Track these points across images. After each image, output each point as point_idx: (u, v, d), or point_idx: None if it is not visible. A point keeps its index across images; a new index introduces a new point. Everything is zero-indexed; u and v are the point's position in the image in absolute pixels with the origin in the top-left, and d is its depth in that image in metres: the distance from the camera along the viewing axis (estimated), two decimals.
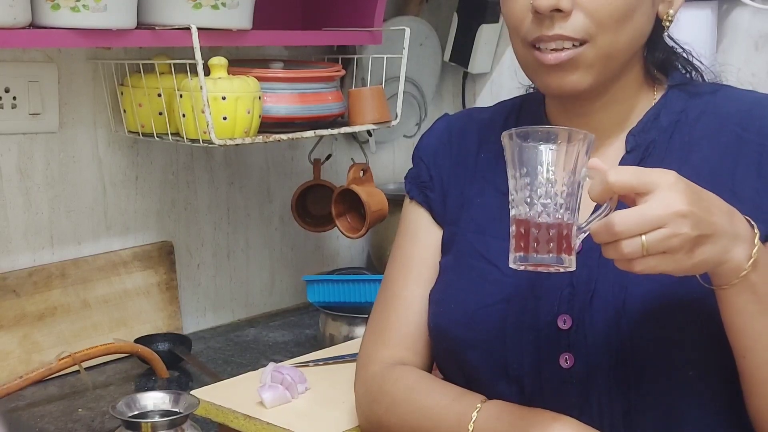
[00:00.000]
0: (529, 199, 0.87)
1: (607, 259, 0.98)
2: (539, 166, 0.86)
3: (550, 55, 0.97)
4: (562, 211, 0.86)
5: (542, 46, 0.98)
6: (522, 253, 0.87)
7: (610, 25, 0.96)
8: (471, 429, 0.99)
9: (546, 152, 0.86)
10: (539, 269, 0.87)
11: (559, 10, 0.95)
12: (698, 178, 0.98)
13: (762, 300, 0.88)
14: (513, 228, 0.88)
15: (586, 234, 0.87)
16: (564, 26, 0.96)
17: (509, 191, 0.89)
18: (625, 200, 0.86)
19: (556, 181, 0.86)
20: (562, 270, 0.87)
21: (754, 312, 0.89)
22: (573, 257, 0.87)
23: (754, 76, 1.80)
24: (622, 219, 0.82)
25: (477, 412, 1.00)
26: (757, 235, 0.88)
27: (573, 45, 0.97)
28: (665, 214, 0.82)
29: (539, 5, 0.95)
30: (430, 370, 1.15)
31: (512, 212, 0.89)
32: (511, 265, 0.88)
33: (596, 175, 0.86)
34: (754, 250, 0.87)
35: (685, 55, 1.10)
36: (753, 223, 0.89)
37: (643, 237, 0.82)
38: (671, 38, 1.08)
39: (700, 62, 1.11)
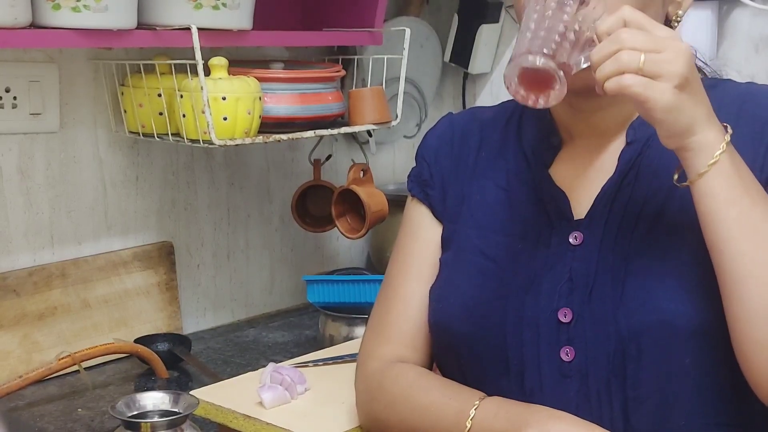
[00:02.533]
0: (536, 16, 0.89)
1: (606, 253, 0.99)
2: None
3: None
4: (570, 10, 0.89)
5: None
6: (530, 56, 0.89)
7: None
8: (469, 426, 1.00)
9: None
10: (532, 70, 0.89)
11: None
12: None
13: (735, 186, 0.91)
14: (520, 33, 0.91)
15: (590, 50, 0.90)
16: None
17: (523, 21, 0.91)
18: None
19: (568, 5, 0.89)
20: (555, 77, 0.89)
21: (728, 199, 0.91)
22: (585, 56, 0.90)
23: (754, 77, 1.80)
24: (630, 32, 0.87)
25: (475, 409, 1.00)
26: (727, 134, 0.92)
27: None
28: (670, 44, 0.87)
29: None
30: (430, 367, 1.15)
31: (524, 17, 0.91)
32: (506, 72, 0.90)
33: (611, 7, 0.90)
34: (726, 137, 0.91)
35: None
36: (726, 125, 0.93)
37: (643, 55, 0.86)
38: None
39: (702, 61, 1.12)
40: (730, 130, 0.93)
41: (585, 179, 1.06)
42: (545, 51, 0.88)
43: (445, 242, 1.14)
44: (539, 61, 0.88)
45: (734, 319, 0.92)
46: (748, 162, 0.97)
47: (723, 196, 0.91)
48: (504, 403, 1.00)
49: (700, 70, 1.11)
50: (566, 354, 1.00)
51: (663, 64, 0.87)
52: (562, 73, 0.88)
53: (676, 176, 0.95)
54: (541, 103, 0.91)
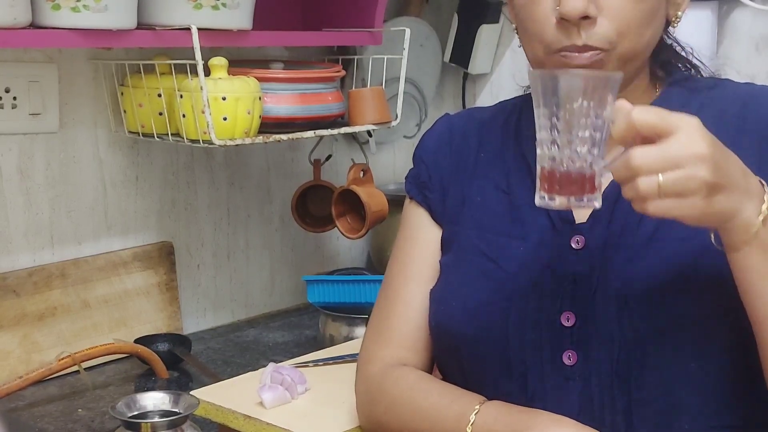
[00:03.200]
0: (554, 136, 0.86)
1: (609, 254, 0.99)
2: (567, 99, 0.85)
3: (575, 61, 0.97)
4: (587, 149, 0.85)
5: (568, 55, 0.97)
6: (547, 193, 0.88)
7: (633, 30, 0.97)
8: (470, 430, 0.99)
9: (574, 81, 0.85)
10: (564, 208, 0.88)
11: (586, 17, 0.95)
12: None
13: None
14: (538, 168, 0.88)
15: (609, 173, 0.86)
16: (591, 34, 0.95)
17: (536, 131, 0.88)
18: (647, 143, 0.85)
19: (582, 115, 0.85)
20: (587, 207, 0.87)
21: (766, 273, 0.88)
22: (598, 195, 0.87)
23: (755, 78, 1.80)
24: (641, 154, 0.82)
25: (475, 413, 1.00)
26: (765, 203, 0.87)
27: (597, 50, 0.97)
28: (685, 155, 0.81)
29: (567, 12, 0.94)
30: (430, 370, 1.15)
31: (538, 152, 0.88)
32: (537, 204, 0.89)
33: (621, 114, 0.85)
34: (764, 206, 0.86)
35: (684, 54, 1.10)
36: (764, 182, 0.89)
37: (660, 176, 0.81)
38: (670, 36, 1.09)
39: (700, 61, 1.12)
40: (767, 189, 0.88)
41: None
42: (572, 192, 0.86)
43: (446, 244, 1.14)
44: (560, 202, 0.87)
45: None
46: (755, 164, 0.97)
47: (763, 270, 0.88)
48: (504, 407, 1.00)
49: (696, 68, 1.11)
50: (568, 358, 0.99)
51: (684, 182, 0.81)
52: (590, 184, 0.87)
53: (712, 236, 0.90)
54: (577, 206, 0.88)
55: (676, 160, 0.81)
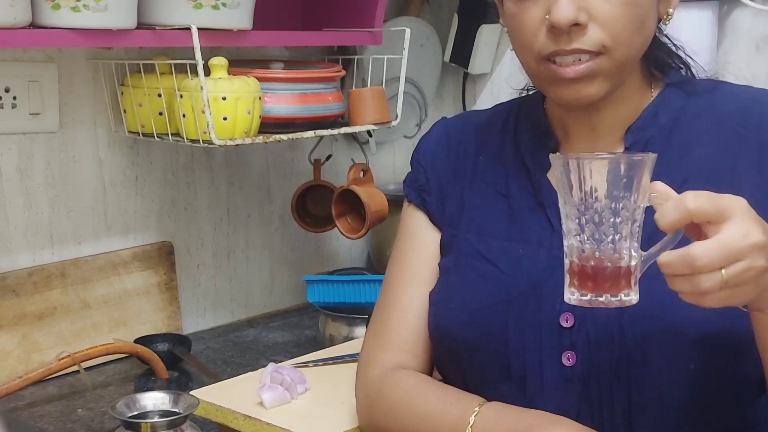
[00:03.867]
0: (583, 227, 0.80)
1: None
2: (595, 185, 0.79)
3: (568, 69, 0.96)
4: (621, 241, 0.80)
5: (559, 60, 0.97)
6: (578, 290, 0.82)
7: (625, 35, 0.96)
8: None
9: (603, 167, 0.79)
10: (599, 306, 0.83)
11: (577, 24, 0.94)
12: (698, 176, 0.98)
13: None
14: (567, 262, 0.83)
15: (650, 262, 0.81)
16: (581, 40, 0.95)
17: (561, 218, 0.85)
18: (689, 229, 0.82)
19: (616, 204, 0.79)
20: (623, 305, 0.82)
21: None
22: (635, 289, 0.82)
23: (755, 78, 1.80)
24: (705, 251, 0.78)
25: (475, 415, 1.00)
26: None
27: (589, 56, 0.96)
28: (746, 246, 0.79)
29: (558, 20, 0.94)
30: (430, 373, 1.15)
31: (565, 244, 0.83)
32: (567, 300, 0.85)
33: (664, 200, 0.80)
34: None
35: (678, 52, 1.10)
36: None
37: (724, 271, 0.79)
38: (661, 33, 1.08)
39: (691, 57, 1.11)
40: None
41: None
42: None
43: (445, 247, 1.14)
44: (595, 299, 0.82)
45: None
46: (755, 170, 0.97)
47: None
48: (504, 408, 1.00)
49: (689, 66, 1.10)
50: (567, 359, 0.99)
51: (745, 273, 0.79)
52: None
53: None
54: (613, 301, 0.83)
55: (738, 253, 0.79)
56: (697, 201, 0.80)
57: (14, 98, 1.59)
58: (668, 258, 0.81)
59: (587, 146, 1.06)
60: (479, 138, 1.16)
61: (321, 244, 2.12)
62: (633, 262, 0.82)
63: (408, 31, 1.75)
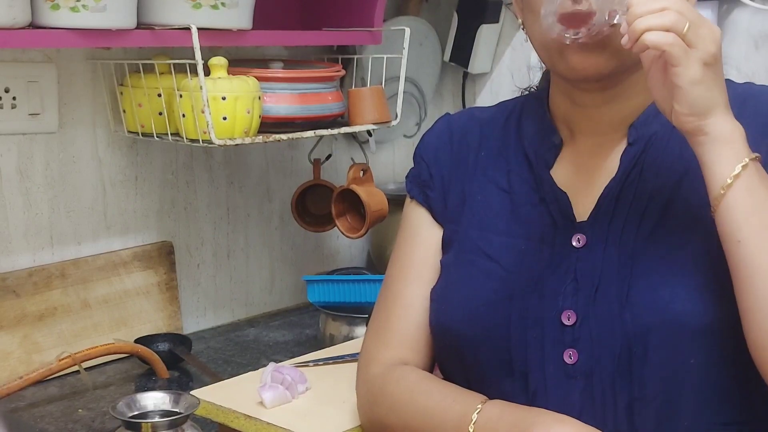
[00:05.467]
0: None
1: (610, 254, 0.99)
2: None
3: (579, 40, 0.97)
4: None
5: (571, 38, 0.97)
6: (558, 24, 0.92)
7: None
8: (472, 430, 0.99)
9: None
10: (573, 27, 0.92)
11: None
12: (697, 168, 0.98)
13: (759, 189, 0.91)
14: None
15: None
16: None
17: None
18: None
19: None
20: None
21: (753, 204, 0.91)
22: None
23: (754, 76, 1.80)
24: None
25: (477, 413, 1.00)
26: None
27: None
28: (708, 22, 0.90)
29: None
30: (431, 370, 1.15)
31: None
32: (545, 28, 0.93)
33: None
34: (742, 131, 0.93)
35: None
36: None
37: (687, 22, 0.88)
38: None
39: None
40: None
41: (586, 180, 1.06)
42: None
43: (446, 243, 1.14)
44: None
45: (747, 311, 0.92)
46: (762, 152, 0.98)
47: (744, 215, 0.91)
48: (507, 406, 1.00)
49: None
50: (569, 357, 0.99)
51: (701, 37, 0.88)
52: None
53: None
54: (583, 32, 0.93)
55: (702, 18, 0.89)
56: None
57: (14, 98, 1.59)
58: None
59: (591, 142, 1.07)
60: (482, 133, 1.16)
61: (321, 243, 2.12)
62: None
63: (407, 30, 1.75)
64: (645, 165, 1.03)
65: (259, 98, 1.55)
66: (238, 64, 1.65)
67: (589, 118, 1.06)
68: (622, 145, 1.05)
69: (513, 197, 1.09)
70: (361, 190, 1.80)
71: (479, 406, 1.00)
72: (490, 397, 1.02)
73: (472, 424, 0.99)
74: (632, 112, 1.05)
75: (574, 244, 1.02)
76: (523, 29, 1.07)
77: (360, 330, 1.70)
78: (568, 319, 1.00)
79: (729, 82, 1.09)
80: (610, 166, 1.05)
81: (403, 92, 1.79)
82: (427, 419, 1.04)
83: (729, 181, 0.91)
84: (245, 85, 1.52)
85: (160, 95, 1.58)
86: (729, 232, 0.92)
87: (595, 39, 0.96)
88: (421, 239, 1.16)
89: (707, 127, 0.91)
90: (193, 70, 1.47)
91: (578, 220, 1.04)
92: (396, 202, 1.75)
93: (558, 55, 1.00)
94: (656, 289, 0.96)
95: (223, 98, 1.49)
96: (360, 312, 1.71)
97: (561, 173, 1.08)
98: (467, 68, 2.16)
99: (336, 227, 1.87)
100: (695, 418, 0.98)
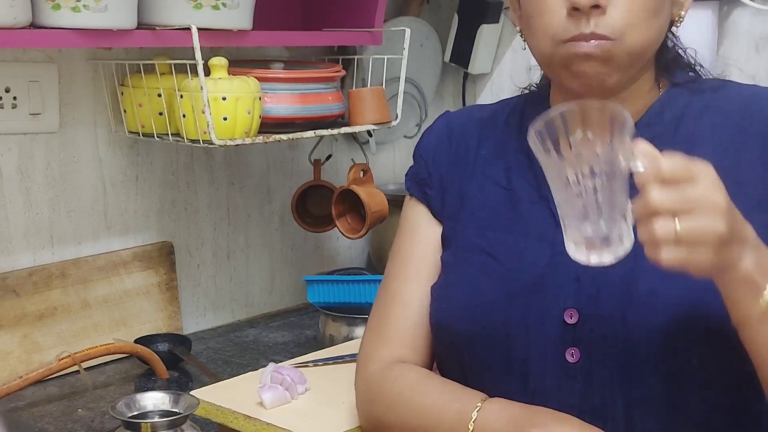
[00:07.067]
0: (569, 179, 0.83)
1: None
2: (572, 130, 0.83)
3: (585, 44, 0.97)
4: (607, 192, 0.83)
5: (575, 44, 0.97)
6: (574, 244, 0.86)
7: (641, 20, 0.97)
8: (471, 428, 0.99)
9: (569, 116, 0.83)
10: (596, 257, 0.86)
11: (597, 6, 0.95)
12: None
13: None
14: (562, 223, 0.87)
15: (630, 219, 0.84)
16: (599, 23, 0.96)
17: (552, 193, 0.87)
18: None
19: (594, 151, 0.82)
20: (621, 253, 0.85)
21: None
22: (626, 236, 0.85)
23: (755, 77, 1.80)
24: (661, 192, 0.81)
25: (477, 411, 0.99)
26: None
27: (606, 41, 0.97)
28: (704, 200, 0.81)
29: (579, 1, 0.95)
30: (430, 368, 1.15)
31: (556, 199, 0.87)
32: (570, 253, 0.87)
33: (650, 161, 0.82)
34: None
35: (686, 57, 1.10)
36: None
37: (678, 222, 0.80)
38: (673, 38, 1.09)
39: (701, 65, 1.12)
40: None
41: None
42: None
43: (446, 240, 1.14)
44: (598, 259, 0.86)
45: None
46: (757, 164, 0.97)
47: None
48: (506, 404, 1.00)
49: (698, 72, 1.11)
50: (571, 355, 0.99)
51: (700, 230, 0.81)
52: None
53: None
54: (608, 261, 0.86)
55: (694, 204, 0.81)
56: (671, 161, 0.82)
57: (14, 98, 1.59)
58: (635, 204, 0.83)
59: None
60: (482, 132, 1.16)
61: (321, 244, 2.12)
62: (618, 215, 0.85)
63: (408, 31, 1.75)
64: None
65: (260, 99, 1.55)
66: (239, 64, 1.65)
67: None
68: None
69: (513, 195, 1.09)
70: (361, 191, 1.80)
71: (479, 404, 1.00)
72: (490, 396, 1.02)
73: (471, 422, 0.99)
74: (635, 114, 1.05)
75: None
76: (521, 36, 1.07)
77: (360, 330, 1.70)
78: (571, 317, 1.00)
79: (734, 84, 1.09)
80: None
81: (404, 93, 1.79)
82: (425, 417, 1.04)
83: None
84: (246, 85, 1.52)
85: (160, 95, 1.58)
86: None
87: (599, 51, 0.96)
88: (420, 236, 1.16)
89: (727, 275, 0.87)
90: (194, 71, 1.47)
91: None
92: (396, 203, 1.75)
93: (562, 69, 1.01)
94: (660, 290, 0.96)
95: (224, 98, 1.49)
96: (360, 312, 1.71)
97: None
98: (468, 69, 2.17)
99: (336, 228, 1.87)
100: (696, 420, 0.98)
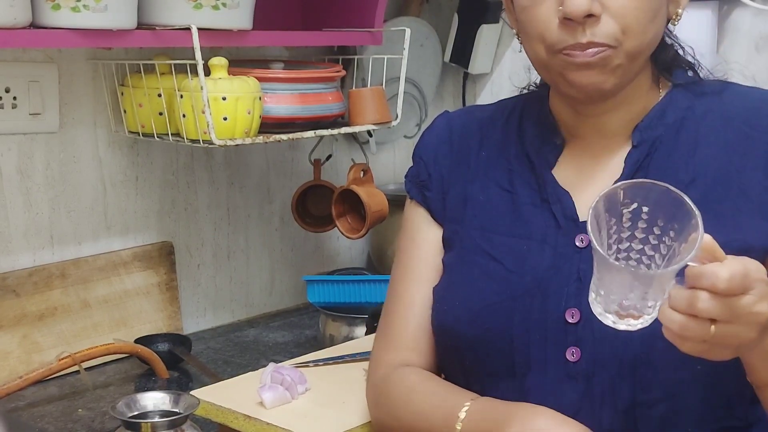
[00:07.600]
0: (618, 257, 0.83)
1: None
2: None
3: (581, 53, 0.96)
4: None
5: (571, 53, 0.97)
6: (605, 308, 0.85)
7: (638, 26, 0.96)
8: (459, 428, 0.99)
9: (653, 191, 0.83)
10: (624, 325, 0.85)
11: (590, 15, 0.94)
12: (705, 176, 0.98)
13: None
14: (597, 279, 0.85)
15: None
16: (595, 32, 0.95)
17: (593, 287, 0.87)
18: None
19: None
20: (649, 322, 0.85)
21: None
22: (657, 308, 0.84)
23: (755, 77, 1.80)
24: (710, 300, 0.80)
25: (465, 410, 1.00)
26: None
27: (603, 48, 0.96)
28: (749, 314, 0.81)
29: (572, 12, 0.94)
30: (436, 370, 1.15)
31: (598, 267, 0.85)
32: (600, 318, 0.87)
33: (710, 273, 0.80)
34: None
35: (683, 54, 1.10)
36: None
37: (713, 327, 0.80)
38: (671, 36, 1.08)
39: (698, 62, 1.11)
40: None
41: (590, 181, 1.06)
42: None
43: (448, 242, 1.13)
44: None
45: None
46: (762, 171, 0.97)
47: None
48: (491, 402, 1.00)
49: (695, 70, 1.11)
50: (572, 354, 0.99)
51: (732, 336, 0.82)
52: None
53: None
54: (634, 325, 0.86)
55: (737, 317, 0.81)
56: (730, 274, 0.79)
57: (14, 98, 1.59)
58: (676, 291, 0.82)
59: (594, 143, 1.07)
60: (482, 133, 1.15)
61: (321, 244, 2.12)
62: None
63: (408, 31, 1.75)
64: (651, 168, 1.02)
65: (260, 99, 1.55)
66: (239, 64, 1.65)
67: (591, 125, 1.06)
68: (626, 147, 1.05)
69: (515, 197, 1.09)
70: (361, 191, 1.80)
71: (467, 403, 1.00)
72: (491, 396, 1.02)
73: (459, 422, 0.99)
74: (635, 116, 1.05)
75: (577, 244, 1.02)
76: (518, 39, 1.07)
77: (360, 330, 1.70)
78: (572, 317, 1.00)
79: (737, 86, 1.09)
80: (613, 167, 1.05)
81: (404, 93, 1.79)
82: (420, 419, 1.04)
83: None
84: (246, 85, 1.52)
85: (160, 95, 1.58)
86: None
87: (596, 59, 0.96)
88: (421, 239, 1.16)
89: (748, 352, 0.88)
90: (194, 71, 1.47)
91: (581, 219, 1.03)
92: (396, 203, 1.75)
93: (559, 77, 1.01)
94: None
95: (224, 98, 1.49)
96: (360, 312, 1.71)
97: (563, 173, 1.07)
98: (467, 69, 2.17)
99: (336, 228, 1.87)
100: (699, 423, 0.98)
